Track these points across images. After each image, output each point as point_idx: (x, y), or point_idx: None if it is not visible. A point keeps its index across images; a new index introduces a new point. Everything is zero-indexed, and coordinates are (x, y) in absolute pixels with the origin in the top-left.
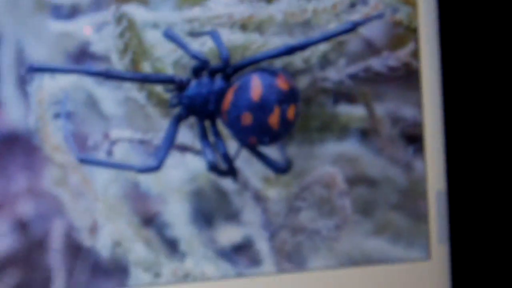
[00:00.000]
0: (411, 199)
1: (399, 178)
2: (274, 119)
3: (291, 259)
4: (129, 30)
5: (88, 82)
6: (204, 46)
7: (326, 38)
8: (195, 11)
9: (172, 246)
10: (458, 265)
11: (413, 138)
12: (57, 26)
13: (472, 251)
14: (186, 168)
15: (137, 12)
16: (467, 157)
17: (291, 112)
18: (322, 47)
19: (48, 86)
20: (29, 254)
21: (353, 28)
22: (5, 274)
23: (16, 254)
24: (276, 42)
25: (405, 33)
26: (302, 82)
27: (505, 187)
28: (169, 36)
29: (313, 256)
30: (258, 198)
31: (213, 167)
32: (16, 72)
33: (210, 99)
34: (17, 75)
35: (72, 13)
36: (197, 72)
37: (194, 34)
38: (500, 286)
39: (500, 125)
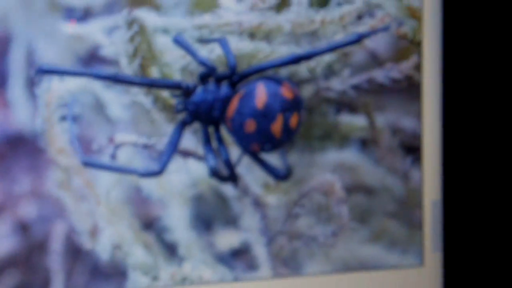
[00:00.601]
0: (407, 208)
1: (396, 187)
2: (277, 127)
3: (287, 264)
4: (139, 35)
5: (96, 86)
6: (212, 53)
7: (331, 49)
8: (206, 18)
9: (171, 250)
10: (450, 273)
11: (412, 149)
12: (69, 28)
13: (465, 259)
14: (188, 173)
15: (148, 17)
16: (463, 169)
17: (293, 120)
18: (328, 58)
19: (57, 88)
20: (30, 256)
21: (358, 39)
22: (4, 275)
23: (16, 255)
24: (283, 51)
25: (409, 46)
26: (306, 91)
27: (498, 199)
28: (179, 42)
29: (309, 262)
30: (258, 204)
31: (214, 173)
32: (26, 73)
33: (216, 106)
34: (26, 76)
35: (85, 15)
36: (204, 78)
37: (203, 40)
38: None
39: (496, 140)
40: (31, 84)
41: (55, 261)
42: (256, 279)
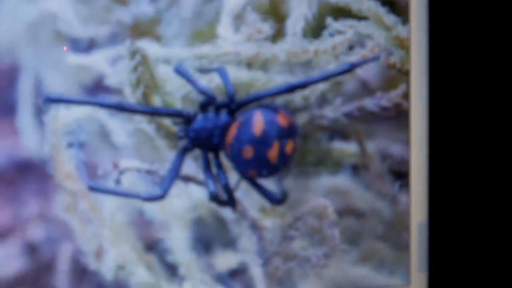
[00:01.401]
0: (395, 230)
1: (385, 211)
2: (273, 153)
3: (282, 284)
4: (142, 65)
5: (101, 114)
6: (211, 82)
7: (325, 78)
8: (205, 48)
9: (172, 270)
10: None
11: (400, 174)
12: (74, 59)
13: (449, 279)
14: (188, 198)
15: (150, 48)
16: (448, 193)
17: (289, 147)
18: (321, 87)
19: (63, 116)
20: (38, 276)
21: (350, 69)
22: None
23: (25, 276)
24: (278, 80)
25: (397, 75)
26: (301, 119)
27: (483, 222)
28: (180, 71)
29: (303, 282)
30: (255, 227)
31: (214, 197)
32: (34, 102)
33: (215, 133)
34: (35, 105)
35: (89, 46)
36: (204, 106)
37: (203, 70)
38: None
39: (481, 165)
40: (39, 112)
41: (62, 281)
42: None
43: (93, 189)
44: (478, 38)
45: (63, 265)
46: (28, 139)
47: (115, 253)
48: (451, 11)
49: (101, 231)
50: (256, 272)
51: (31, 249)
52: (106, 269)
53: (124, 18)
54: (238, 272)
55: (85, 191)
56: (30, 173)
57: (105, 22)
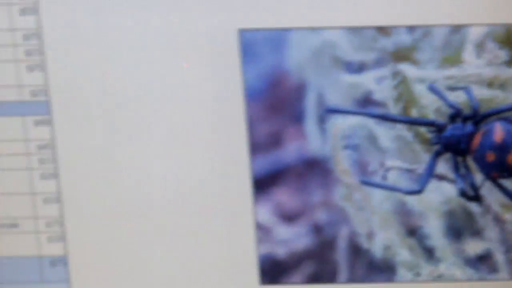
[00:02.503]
0: None
1: None
2: None
3: None
4: (402, 84)
5: (370, 122)
6: (458, 98)
7: None
8: (453, 71)
9: (429, 253)
10: None
11: None
12: (348, 78)
13: None
14: (442, 193)
15: (408, 70)
16: None
17: None
18: None
19: (341, 123)
20: (322, 251)
21: None
22: (304, 266)
23: (312, 250)
24: None
25: None
26: None
27: None
28: (433, 89)
29: None
30: (498, 219)
31: (463, 193)
32: (317, 112)
33: (462, 140)
34: (318, 115)
35: (360, 68)
36: (453, 118)
37: (451, 88)
38: None
39: None
40: (321, 121)
41: (341, 257)
42: (496, 280)
43: (364, 183)
44: None
45: (342, 243)
46: (314, 141)
47: (383, 235)
48: None
49: (371, 217)
50: (500, 258)
51: (317, 229)
52: (376, 248)
53: (387, 46)
54: (484, 257)
55: (358, 184)
56: (315, 169)
57: (372, 49)
